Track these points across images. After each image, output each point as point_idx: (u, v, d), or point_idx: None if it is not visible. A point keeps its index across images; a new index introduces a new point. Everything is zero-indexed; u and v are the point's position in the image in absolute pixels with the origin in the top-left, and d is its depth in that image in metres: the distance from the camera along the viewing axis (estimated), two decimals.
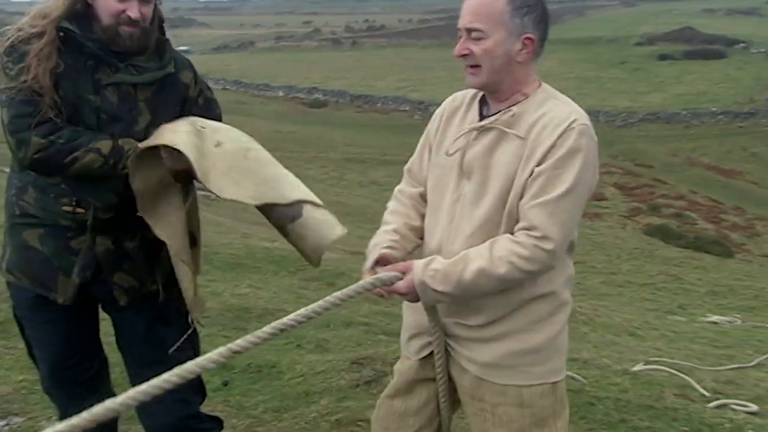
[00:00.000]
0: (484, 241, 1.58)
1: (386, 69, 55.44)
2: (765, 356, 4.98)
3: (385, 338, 3.26)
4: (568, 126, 1.54)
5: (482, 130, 1.63)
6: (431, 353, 1.74)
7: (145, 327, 2.00)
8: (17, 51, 1.77)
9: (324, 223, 1.83)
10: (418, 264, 1.62)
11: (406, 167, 1.84)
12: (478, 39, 1.60)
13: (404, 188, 1.82)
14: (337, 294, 1.59)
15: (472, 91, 1.74)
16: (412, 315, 1.81)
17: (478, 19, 1.59)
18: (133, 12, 1.80)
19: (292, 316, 1.44)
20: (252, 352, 2.68)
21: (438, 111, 1.80)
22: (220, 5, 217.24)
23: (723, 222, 23.69)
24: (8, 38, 1.80)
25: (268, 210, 1.84)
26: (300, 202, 1.81)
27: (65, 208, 1.84)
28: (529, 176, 1.54)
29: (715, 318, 10.15)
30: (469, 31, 1.61)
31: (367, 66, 57.39)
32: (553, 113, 1.57)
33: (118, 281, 1.92)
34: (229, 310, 3.58)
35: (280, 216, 1.83)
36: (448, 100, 1.80)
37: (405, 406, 1.82)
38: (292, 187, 1.83)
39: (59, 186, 1.83)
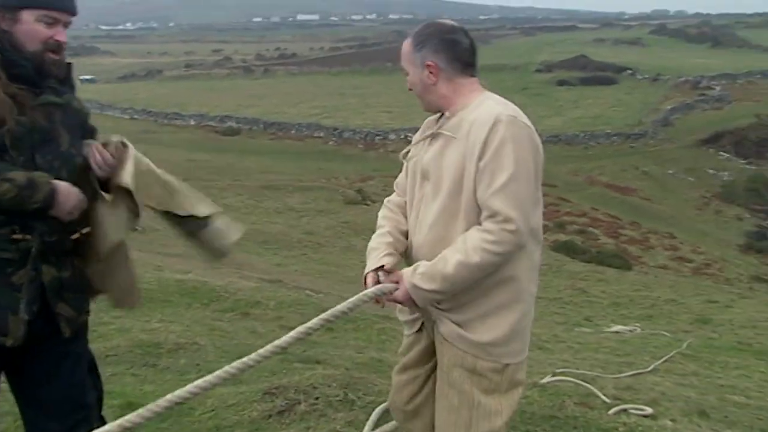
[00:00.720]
0: (444, 230, 1.84)
1: (299, 96, 55.53)
2: (660, 361, 5.41)
3: (300, 366, 3.23)
4: (495, 120, 1.78)
5: (433, 137, 1.94)
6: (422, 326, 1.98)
7: (71, 365, 1.91)
8: None
9: (229, 228, 2.07)
10: (406, 271, 1.86)
11: (395, 182, 2.13)
12: (407, 76, 2.00)
13: (393, 198, 2.09)
14: (343, 305, 1.80)
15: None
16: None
17: (402, 61, 2.00)
18: (62, 36, 1.82)
19: (292, 333, 1.68)
20: (160, 390, 2.67)
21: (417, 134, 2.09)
22: (125, 33, 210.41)
23: (621, 236, 25.24)
24: None
25: (182, 220, 2.03)
26: (213, 215, 2.06)
27: (15, 236, 1.76)
28: (476, 171, 1.78)
29: (617, 328, 10.82)
30: (404, 70, 2.01)
31: (280, 93, 57.25)
32: (483, 113, 1.82)
33: (62, 312, 1.86)
34: (138, 346, 3.46)
35: (193, 225, 2.04)
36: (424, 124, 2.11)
37: (405, 377, 2.05)
38: (206, 202, 2.07)
39: None
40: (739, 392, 4.42)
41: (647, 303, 15.07)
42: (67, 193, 1.80)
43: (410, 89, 2.01)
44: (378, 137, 42.60)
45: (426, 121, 2.07)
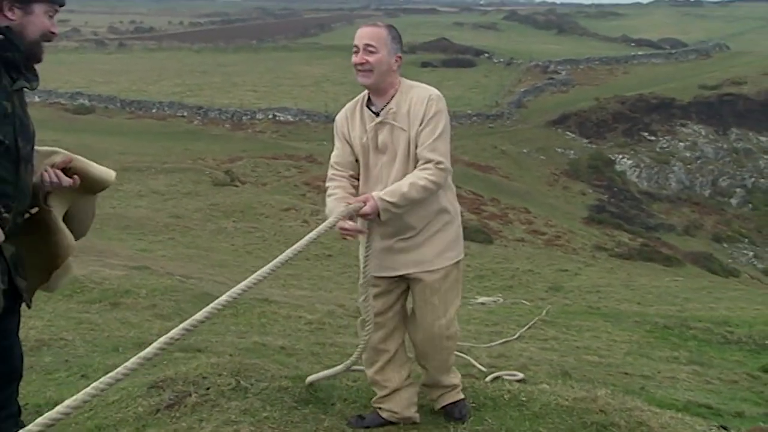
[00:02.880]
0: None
1: (159, 72, 52.47)
2: (524, 328, 5.85)
3: (182, 355, 3.06)
4: (430, 97, 2.57)
5: (381, 124, 2.60)
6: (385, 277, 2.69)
7: (19, 338, 2.10)
8: None
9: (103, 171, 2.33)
10: (374, 193, 2.51)
11: (332, 162, 2.71)
12: (371, 53, 2.53)
13: (337, 173, 2.68)
14: (317, 229, 2.20)
15: (357, 100, 2.69)
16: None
17: (372, 39, 2.54)
18: (56, 28, 2.05)
19: (264, 269, 1.94)
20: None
21: (339, 120, 2.71)
22: None
23: (483, 212, 26.70)
24: None
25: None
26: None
27: (4, 215, 1.87)
28: (416, 135, 2.55)
29: (483, 299, 11.50)
30: (366, 46, 2.53)
31: (137, 69, 53.73)
32: (418, 94, 2.59)
33: (20, 285, 2.01)
34: None
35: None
36: (341, 114, 2.72)
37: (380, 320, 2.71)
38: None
39: None
40: (592, 352, 4.91)
41: (508, 274, 16.14)
42: None
43: (365, 63, 2.52)
44: (245, 117, 41.41)
45: (345, 109, 2.71)
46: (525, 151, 37.97)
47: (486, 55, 60.55)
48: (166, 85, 47.97)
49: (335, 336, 4.43)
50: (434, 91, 2.61)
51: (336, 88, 47.51)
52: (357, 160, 2.68)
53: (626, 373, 4.22)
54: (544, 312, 6.93)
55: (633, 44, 73.00)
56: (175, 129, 37.73)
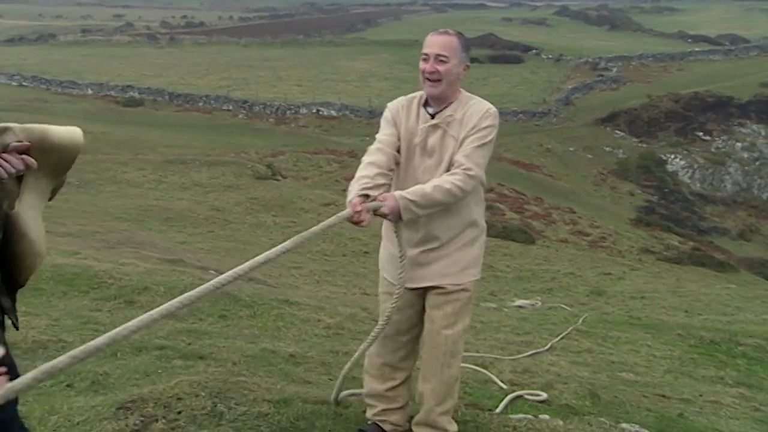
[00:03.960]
0: None
1: (207, 67, 53.33)
2: (556, 339, 5.53)
3: (180, 363, 2.90)
4: (487, 110, 2.55)
5: (434, 127, 2.56)
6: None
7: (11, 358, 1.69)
8: None
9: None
10: (395, 192, 2.43)
11: (377, 138, 2.61)
12: (443, 62, 2.50)
13: (381, 148, 2.56)
14: (323, 223, 2.02)
15: (414, 96, 2.65)
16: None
17: (445, 49, 2.51)
18: None
19: (255, 260, 1.72)
20: None
21: (393, 107, 2.65)
22: None
23: (526, 212, 26.11)
24: None
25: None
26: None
27: None
28: (461, 143, 2.52)
29: (520, 302, 11.14)
30: (438, 56, 2.51)
31: (187, 63, 54.74)
32: (476, 106, 2.57)
33: (5, 304, 1.70)
34: None
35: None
36: (397, 102, 2.67)
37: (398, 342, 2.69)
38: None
39: None
40: (628, 369, 4.57)
41: (548, 276, 15.68)
42: None
43: (435, 72, 2.49)
44: (289, 111, 41.67)
45: (399, 101, 2.66)
46: (572, 149, 37.05)
47: (534, 51, 59.41)
48: (213, 79, 48.71)
49: (352, 342, 4.22)
50: (492, 108, 2.60)
51: (380, 84, 47.38)
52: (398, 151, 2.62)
53: (664, 396, 3.87)
54: (580, 321, 6.57)
55: (690, 40, 70.44)
56: (220, 122, 38.25)
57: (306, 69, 53.53)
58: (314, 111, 41.60)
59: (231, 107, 42.28)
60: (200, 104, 42.92)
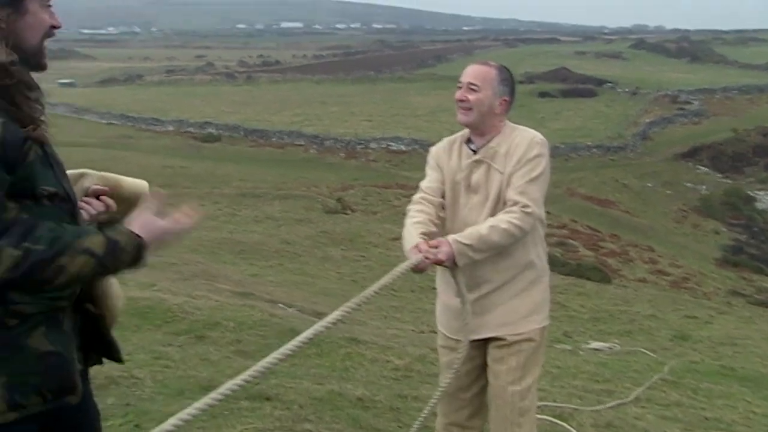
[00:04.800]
0: None
1: (281, 103, 55.13)
2: (641, 389, 5.14)
3: (247, 405, 2.71)
4: (533, 139, 2.44)
5: (477, 162, 2.47)
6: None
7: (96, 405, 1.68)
8: None
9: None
10: (449, 236, 2.32)
11: (422, 187, 2.56)
12: (474, 91, 2.43)
13: (426, 197, 2.51)
14: (393, 272, 2.08)
15: (456, 136, 2.58)
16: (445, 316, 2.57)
17: (477, 78, 2.45)
18: (57, 20, 1.45)
19: (326, 320, 1.77)
20: None
21: (435, 150, 2.61)
22: (107, 37, 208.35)
23: (601, 249, 25.19)
24: None
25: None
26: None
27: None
28: (509, 176, 2.40)
29: (596, 344, 10.58)
30: (469, 85, 2.44)
31: (262, 100, 56.81)
32: (521, 136, 2.46)
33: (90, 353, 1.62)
34: None
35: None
36: (439, 145, 2.62)
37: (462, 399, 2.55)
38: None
39: None
40: (725, 427, 4.16)
41: (626, 318, 14.90)
42: (156, 229, 1.43)
43: (464, 101, 2.43)
44: (360, 146, 42.32)
45: (445, 141, 2.59)
46: (650, 185, 35.68)
47: (609, 84, 58.21)
48: (286, 115, 50.23)
49: (421, 387, 4.04)
50: (539, 135, 2.49)
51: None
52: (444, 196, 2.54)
53: None
54: (666, 369, 6.11)
55: None
56: (292, 157, 39.25)
57: (377, 104, 54.44)
58: (384, 145, 42.06)
59: (303, 142, 43.37)
60: (273, 139, 44.28)
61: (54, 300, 1.41)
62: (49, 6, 1.45)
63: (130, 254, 1.39)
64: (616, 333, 13.31)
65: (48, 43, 1.47)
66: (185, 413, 1.48)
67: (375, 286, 1.96)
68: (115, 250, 1.37)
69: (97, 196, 1.64)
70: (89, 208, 1.58)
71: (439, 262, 2.26)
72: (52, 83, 71.21)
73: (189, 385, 3.17)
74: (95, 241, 1.35)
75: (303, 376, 3.90)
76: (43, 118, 1.42)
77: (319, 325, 1.74)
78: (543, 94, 54.23)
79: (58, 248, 1.30)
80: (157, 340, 4.32)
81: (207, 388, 3.21)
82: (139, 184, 1.74)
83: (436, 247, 2.25)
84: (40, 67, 1.45)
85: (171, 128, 47.25)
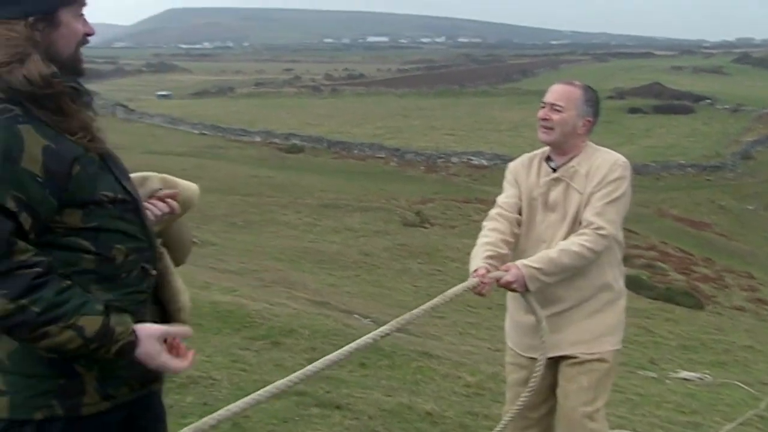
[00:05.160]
0: None
1: (364, 116, 55.99)
2: (733, 424, 4.79)
3: (317, 412, 2.88)
4: (616, 161, 2.42)
5: (556, 180, 2.46)
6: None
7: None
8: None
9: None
10: (517, 262, 2.31)
11: (498, 202, 2.56)
12: (557, 111, 2.44)
13: (502, 213, 2.51)
14: (449, 291, 2.10)
15: (536, 153, 2.58)
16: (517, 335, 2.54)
17: (561, 99, 2.45)
18: (90, 27, 1.48)
19: (393, 322, 1.85)
20: None
21: (513, 166, 2.62)
22: (202, 52, 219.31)
23: (693, 273, 23.83)
24: None
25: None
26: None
27: (152, 272, 1.53)
28: (589, 195, 2.38)
29: (685, 374, 9.98)
30: (553, 105, 2.45)
31: (346, 113, 57.92)
32: (603, 157, 2.45)
33: None
34: None
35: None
36: (518, 161, 2.62)
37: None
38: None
39: (135, 260, 1.48)
40: None
41: (720, 348, 13.99)
42: (149, 350, 1.43)
43: (547, 120, 2.43)
44: (440, 160, 42.26)
45: (524, 157, 2.60)
46: (750, 207, 33.52)
47: (707, 101, 55.40)
48: (369, 127, 50.95)
49: (492, 405, 3.94)
50: (622, 158, 2.47)
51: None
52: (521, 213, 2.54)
53: None
54: (763, 406, 5.67)
55: None
56: (372, 169, 39.69)
57: (459, 118, 54.26)
58: (465, 160, 41.80)
59: (384, 155, 43.79)
60: (355, 151, 44.97)
61: (137, 294, 1.48)
62: (82, 15, 1.47)
63: (117, 347, 1.39)
64: (708, 363, 12.52)
65: (84, 50, 1.50)
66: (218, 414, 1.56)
67: (428, 305, 1.98)
68: (105, 336, 1.36)
69: (161, 198, 1.68)
70: (155, 210, 1.62)
71: (508, 286, 2.27)
72: (151, 95, 75.71)
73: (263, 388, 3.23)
74: (91, 322, 1.35)
75: (374, 386, 3.90)
76: (95, 123, 1.44)
77: (364, 339, 1.79)
78: (634, 110, 52.28)
79: (50, 316, 1.30)
80: (235, 344, 4.45)
81: (278, 395, 3.27)
82: (191, 188, 1.76)
83: (506, 271, 2.28)
84: (78, 73, 1.48)
85: (258, 139, 48.99)
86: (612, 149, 2.53)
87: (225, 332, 4.70)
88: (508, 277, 2.25)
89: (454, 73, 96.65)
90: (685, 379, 9.23)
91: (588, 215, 2.35)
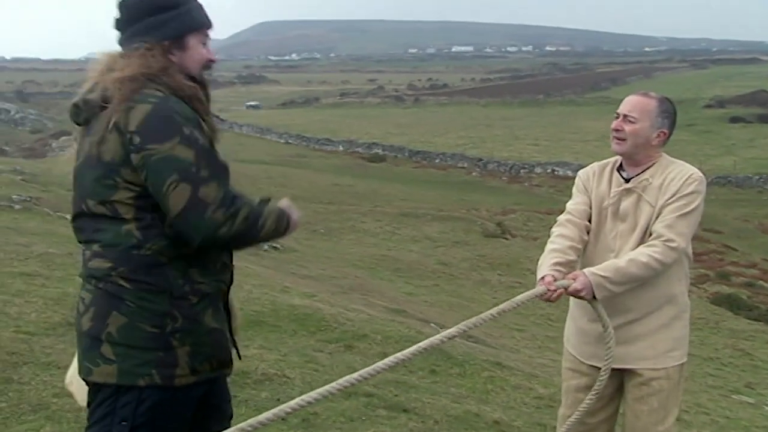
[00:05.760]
0: None
1: (446, 125, 55.89)
2: None
3: (384, 414, 2.93)
4: (691, 176, 2.38)
5: (628, 191, 2.46)
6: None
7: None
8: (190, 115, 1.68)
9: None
10: (585, 269, 2.32)
11: (568, 208, 2.59)
12: (630, 122, 2.43)
13: (571, 219, 2.53)
14: (517, 298, 2.12)
15: (608, 161, 2.59)
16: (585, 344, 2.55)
17: (635, 110, 2.44)
18: (213, 54, 1.83)
19: (458, 326, 1.92)
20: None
21: (584, 173, 2.61)
22: (290, 63, 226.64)
23: None
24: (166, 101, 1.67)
25: None
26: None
27: (232, 264, 1.81)
28: (662, 207, 2.38)
29: None
30: (626, 116, 2.45)
31: (428, 122, 58.04)
32: (678, 171, 2.42)
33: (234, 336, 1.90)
34: None
35: None
36: (588, 169, 2.62)
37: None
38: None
39: (220, 252, 1.75)
40: None
41: None
42: (293, 211, 1.82)
43: (620, 131, 2.43)
44: (523, 170, 41.50)
45: (593, 166, 2.60)
46: None
47: None
48: (451, 137, 50.80)
49: None
50: (697, 172, 2.44)
51: None
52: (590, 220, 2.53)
53: None
54: None
55: None
56: (453, 179, 39.52)
57: (544, 128, 53.13)
58: (549, 170, 40.84)
59: (466, 164, 43.51)
60: (437, 161, 44.94)
61: (219, 282, 1.74)
62: (206, 43, 1.80)
63: (287, 221, 1.75)
64: None
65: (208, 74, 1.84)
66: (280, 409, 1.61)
67: (495, 310, 2.02)
68: (282, 215, 1.74)
69: None
70: None
71: (576, 294, 2.28)
72: (242, 106, 78.92)
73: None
74: (269, 209, 1.72)
75: (442, 393, 3.91)
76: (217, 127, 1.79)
77: (431, 340, 1.86)
78: (735, 120, 49.37)
79: (260, 209, 1.69)
80: (310, 346, 4.58)
81: (350, 394, 3.35)
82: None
83: (573, 279, 2.28)
84: (207, 94, 1.80)
85: (341, 148, 49.96)
86: (709, 161, 2.48)
87: (301, 334, 4.85)
88: (576, 285, 2.26)
89: (539, 82, 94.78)
90: None
91: (659, 227, 2.35)
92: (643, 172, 2.46)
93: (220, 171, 1.64)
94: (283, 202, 1.79)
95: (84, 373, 1.68)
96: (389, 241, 23.21)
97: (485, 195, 34.87)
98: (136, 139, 1.60)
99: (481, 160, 43.43)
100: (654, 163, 2.46)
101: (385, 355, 4.82)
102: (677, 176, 2.39)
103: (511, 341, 11.02)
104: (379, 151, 47.66)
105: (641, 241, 2.40)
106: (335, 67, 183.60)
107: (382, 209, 28.07)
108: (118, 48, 1.77)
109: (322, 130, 55.26)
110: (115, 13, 1.77)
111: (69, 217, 1.80)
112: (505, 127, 54.13)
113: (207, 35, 1.80)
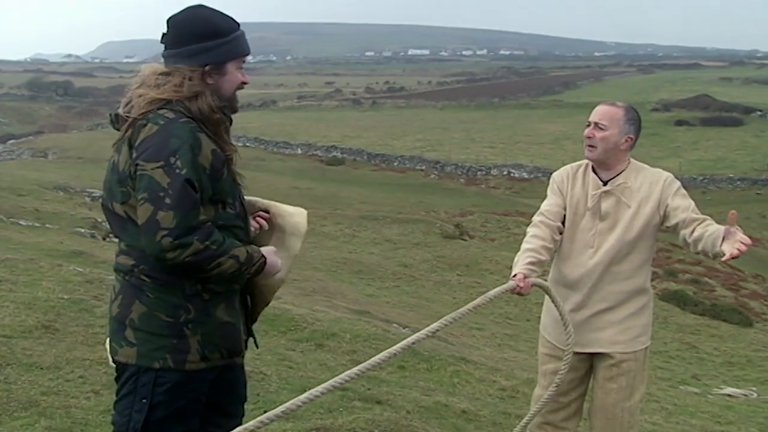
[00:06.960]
0: (617, 253, 2.63)
1: (404, 128, 56.27)
2: None
3: (359, 405, 3.10)
4: (666, 179, 2.66)
5: (607, 193, 2.67)
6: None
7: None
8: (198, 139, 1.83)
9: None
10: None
11: (542, 209, 2.76)
12: (601, 129, 2.64)
13: (545, 220, 2.70)
14: (491, 292, 2.32)
15: (581, 164, 2.77)
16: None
17: (605, 118, 2.65)
18: (246, 77, 2.05)
19: (445, 318, 2.08)
20: None
21: (558, 176, 2.80)
22: (246, 66, 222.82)
23: (742, 290, 23.18)
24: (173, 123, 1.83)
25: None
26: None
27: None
28: (660, 207, 2.63)
29: (729, 390, 9.81)
30: (596, 123, 2.65)
31: (386, 125, 58.32)
32: (651, 176, 2.68)
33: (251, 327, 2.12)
34: None
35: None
36: (562, 171, 2.82)
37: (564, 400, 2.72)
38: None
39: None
40: None
41: None
42: (272, 262, 1.97)
43: (591, 138, 2.65)
44: (480, 172, 42.19)
45: (568, 168, 2.79)
46: None
47: (759, 112, 53.79)
48: (409, 140, 51.17)
49: (526, 407, 4.08)
50: (668, 173, 2.72)
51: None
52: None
53: None
54: None
55: None
56: (412, 182, 39.87)
57: (499, 131, 54.06)
58: (505, 172, 41.63)
59: (424, 167, 43.93)
60: (395, 164, 45.24)
61: (232, 283, 1.92)
62: (242, 66, 2.03)
63: (255, 268, 1.90)
64: (754, 380, 12.26)
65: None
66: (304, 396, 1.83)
67: (471, 304, 2.20)
68: (250, 259, 1.88)
69: (254, 216, 2.14)
70: (253, 223, 2.10)
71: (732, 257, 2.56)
72: None
73: (310, 384, 3.47)
74: (241, 251, 1.87)
75: (412, 386, 4.09)
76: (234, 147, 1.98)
77: (407, 341, 2.00)
78: (680, 123, 51.18)
79: (221, 251, 1.82)
80: (282, 345, 4.71)
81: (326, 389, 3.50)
82: (297, 213, 2.18)
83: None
84: (233, 110, 2.05)
85: (299, 151, 49.77)
86: (657, 162, 2.74)
87: (272, 334, 4.97)
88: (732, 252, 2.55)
89: (494, 85, 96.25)
90: (729, 395, 9.10)
91: (690, 215, 2.60)
92: (618, 175, 2.69)
93: (184, 204, 1.77)
94: (266, 249, 1.97)
95: (112, 352, 1.91)
96: (349, 243, 23.31)
97: (443, 197, 35.33)
98: (134, 154, 1.82)
99: (438, 162, 43.92)
100: (626, 168, 2.70)
101: (355, 353, 5.00)
102: (652, 182, 2.66)
103: (471, 339, 11.31)
104: (338, 155, 47.67)
105: (623, 237, 2.62)
106: (292, 70, 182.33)
107: (341, 212, 28.15)
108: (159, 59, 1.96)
109: (280, 133, 54.92)
110: (163, 28, 1.92)
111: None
112: (461, 130, 54.84)
113: (244, 60, 2.02)
